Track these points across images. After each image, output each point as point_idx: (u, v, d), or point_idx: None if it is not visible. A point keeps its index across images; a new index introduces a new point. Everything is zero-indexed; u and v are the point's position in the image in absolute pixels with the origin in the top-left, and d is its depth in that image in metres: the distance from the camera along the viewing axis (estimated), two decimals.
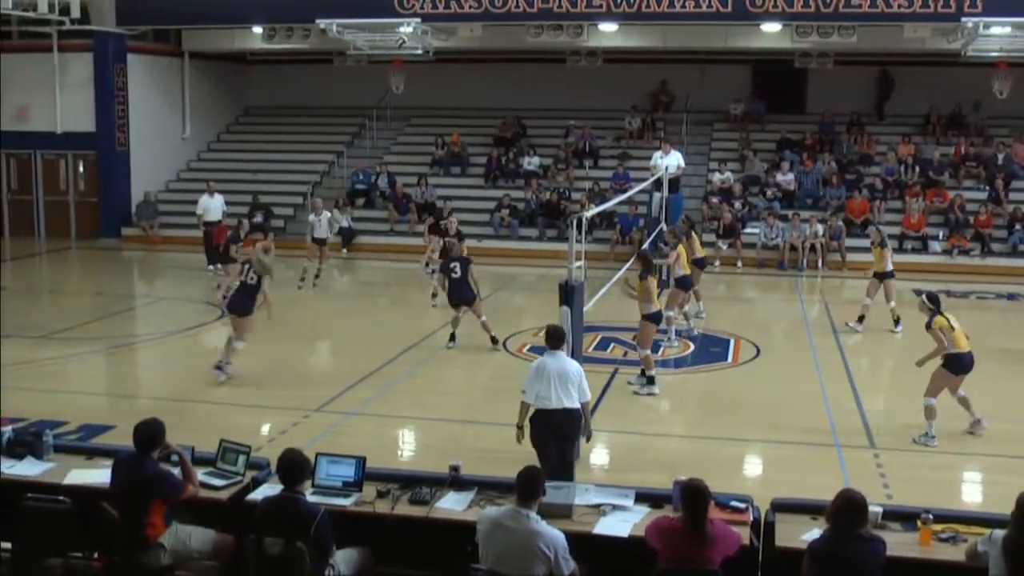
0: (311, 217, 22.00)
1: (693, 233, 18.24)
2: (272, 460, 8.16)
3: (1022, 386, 14.01)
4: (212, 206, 23.63)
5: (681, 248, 16.74)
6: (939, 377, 11.98)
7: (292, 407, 13.01)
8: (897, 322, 17.90)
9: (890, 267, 17.96)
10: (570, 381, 9.45)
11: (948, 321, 11.95)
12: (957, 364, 11.90)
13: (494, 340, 16.18)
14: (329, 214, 22.34)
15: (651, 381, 13.91)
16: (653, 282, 13.91)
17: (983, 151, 27.48)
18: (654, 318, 13.99)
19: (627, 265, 19.09)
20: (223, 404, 13.27)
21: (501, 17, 24.97)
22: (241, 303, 14.26)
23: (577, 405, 9.48)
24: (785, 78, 29.35)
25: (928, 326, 12.06)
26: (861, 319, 18.07)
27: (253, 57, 31.64)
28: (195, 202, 24.37)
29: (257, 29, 27.65)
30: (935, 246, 24.83)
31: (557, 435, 9.47)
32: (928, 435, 11.89)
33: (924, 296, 12.33)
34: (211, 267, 22.87)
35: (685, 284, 16.77)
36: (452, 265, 16.03)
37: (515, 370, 15.33)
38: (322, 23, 25.27)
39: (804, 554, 6.61)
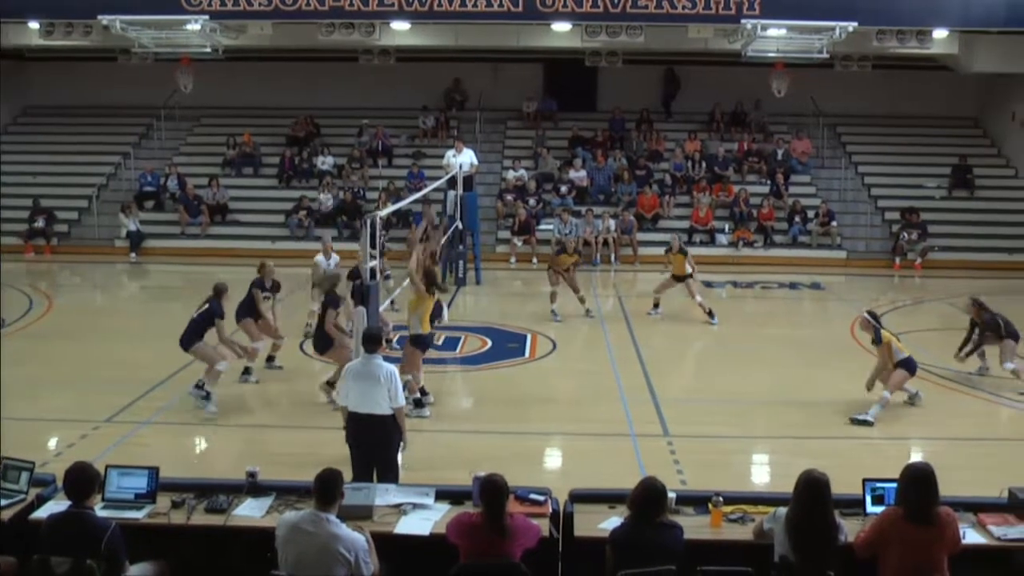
0: (319, 258, 17.30)
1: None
2: (58, 475, 7.85)
3: (803, 370, 14.68)
4: None
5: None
6: (899, 376, 12.83)
7: (80, 419, 12.50)
8: (711, 315, 18.62)
9: (689, 270, 18.75)
10: (377, 386, 9.26)
11: (892, 335, 13.00)
12: (910, 365, 12.91)
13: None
14: (338, 258, 17.39)
15: (418, 404, 12.75)
16: (429, 303, 12.84)
17: (764, 147, 28.72)
18: (419, 342, 12.95)
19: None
20: (4, 419, 12.63)
21: (292, 15, 24.55)
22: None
23: (387, 411, 9.28)
24: (576, 77, 29.89)
25: (878, 342, 12.91)
26: (656, 305, 19.04)
27: (31, 54, 30.15)
28: None
29: (34, 24, 26.37)
30: (722, 239, 25.80)
31: (368, 441, 9.32)
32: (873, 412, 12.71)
33: (867, 313, 13.21)
34: None
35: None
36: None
37: (311, 372, 15.19)
38: (104, 19, 24.29)
39: (603, 542, 6.78)
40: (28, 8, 25.33)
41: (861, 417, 12.59)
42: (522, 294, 22.59)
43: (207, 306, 13.13)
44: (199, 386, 13.12)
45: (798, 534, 6.60)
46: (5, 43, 28.11)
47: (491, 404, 14.01)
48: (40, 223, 26.29)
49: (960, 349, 14.63)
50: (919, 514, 6.55)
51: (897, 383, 12.86)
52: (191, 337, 13.09)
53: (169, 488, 7.75)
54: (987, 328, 14.42)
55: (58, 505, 7.22)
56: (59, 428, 12.29)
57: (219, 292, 13.30)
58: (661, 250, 24.78)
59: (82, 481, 6.85)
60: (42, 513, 7.27)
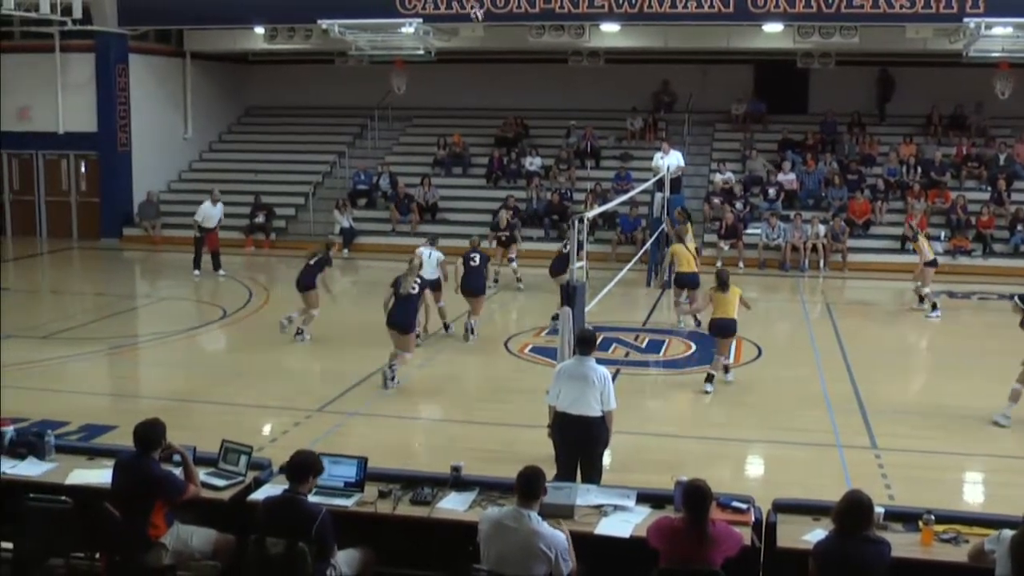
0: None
1: (689, 224, 19.26)
2: (274, 460, 8.20)
3: None
4: (213, 214, 23.35)
5: (677, 247, 18.03)
6: None
7: (294, 407, 13.02)
8: (932, 306, 19.21)
9: (928, 255, 19.45)
10: (589, 388, 9.22)
11: None
12: None
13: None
14: (440, 255, 17.03)
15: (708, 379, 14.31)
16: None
17: (985, 152, 27.46)
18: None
19: (629, 265, 19.16)
20: (225, 404, 13.28)
21: (503, 17, 24.95)
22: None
23: (598, 413, 9.24)
24: (787, 78, 29.35)
25: None
26: (934, 307, 19.26)
27: (255, 57, 31.64)
28: (197, 202, 24.22)
29: (259, 29, 27.65)
30: (937, 247, 24.75)
31: (574, 441, 9.35)
32: (1005, 415, 12.63)
33: (1016, 298, 13.50)
34: (196, 272, 22.83)
35: (685, 282, 17.87)
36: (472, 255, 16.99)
37: (517, 370, 15.40)
38: (324, 23, 25.26)
39: (805, 555, 6.62)
40: (254, 14, 26.56)
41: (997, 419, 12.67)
42: None
43: (320, 255, 16.66)
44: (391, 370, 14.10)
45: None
46: (232, 47, 29.62)
47: (694, 408, 13.89)
48: (260, 218, 27.42)
49: None
50: None
51: None
52: (309, 280, 16.39)
53: (376, 478, 7.93)
54: None
55: (274, 488, 7.53)
56: (274, 415, 12.81)
57: (329, 246, 17.34)
58: (872, 257, 24.35)
59: (302, 466, 7.09)
60: (259, 495, 7.58)
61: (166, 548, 7.33)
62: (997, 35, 22.80)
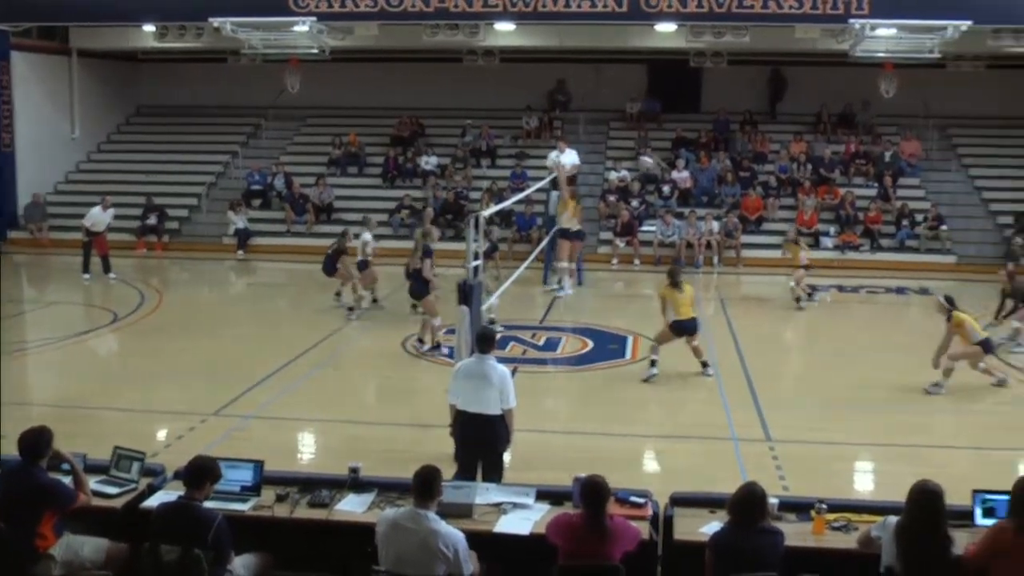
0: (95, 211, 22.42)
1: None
2: (169, 466, 8.05)
3: (910, 377, 14.33)
4: (102, 219, 22.76)
5: (570, 202, 20.60)
6: (972, 353, 13.80)
7: (189, 411, 12.79)
8: (799, 300, 20.07)
9: (804, 261, 20.28)
10: (489, 387, 9.17)
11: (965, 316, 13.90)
12: (987, 346, 13.89)
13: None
14: (368, 238, 18.66)
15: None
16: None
17: (872, 149, 28.15)
18: (566, 235, 20.43)
19: (525, 264, 19.22)
20: (118, 410, 12.98)
21: (397, 16, 24.80)
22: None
23: (497, 412, 9.19)
24: (680, 77, 29.69)
25: (949, 321, 13.80)
26: (799, 300, 20.11)
27: (145, 56, 30.97)
28: (85, 204, 23.69)
29: (148, 27, 27.08)
30: (827, 242, 25.33)
31: (476, 440, 9.30)
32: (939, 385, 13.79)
33: (942, 297, 14.19)
34: (87, 276, 22.29)
35: (565, 236, 20.47)
36: None
37: (414, 370, 15.34)
38: (215, 22, 24.82)
39: (702, 547, 6.72)
40: (143, 12, 26.00)
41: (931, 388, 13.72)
42: (624, 295, 22.50)
43: (335, 245, 18.81)
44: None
45: (909, 545, 6.42)
46: (121, 45, 28.98)
47: (592, 405, 13.98)
48: (152, 220, 26.89)
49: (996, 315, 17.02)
50: None
51: (971, 354, 13.76)
52: (330, 267, 18.69)
53: (273, 481, 7.87)
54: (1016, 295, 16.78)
55: (167, 495, 7.40)
56: (168, 420, 12.58)
57: (345, 234, 18.99)
58: (764, 253, 24.71)
59: (200, 472, 7.01)
60: (152, 502, 7.44)
61: (55, 560, 7.14)
62: (881, 36, 23.31)
